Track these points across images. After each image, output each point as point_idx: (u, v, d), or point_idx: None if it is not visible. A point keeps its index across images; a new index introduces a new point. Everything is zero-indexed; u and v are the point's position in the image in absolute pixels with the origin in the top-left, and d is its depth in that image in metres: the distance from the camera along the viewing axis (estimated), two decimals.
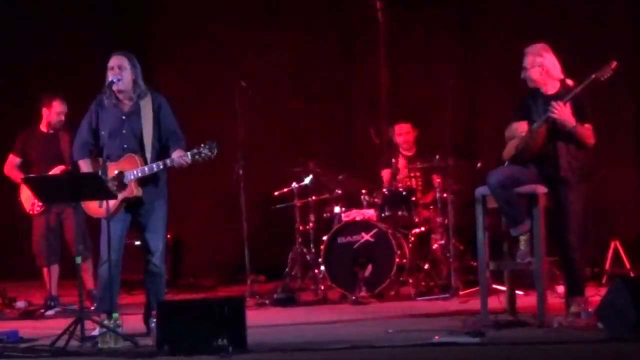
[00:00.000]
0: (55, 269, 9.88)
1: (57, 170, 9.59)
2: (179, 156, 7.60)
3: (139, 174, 7.67)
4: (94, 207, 7.76)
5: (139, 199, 7.75)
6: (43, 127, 9.90)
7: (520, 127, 7.81)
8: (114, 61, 7.79)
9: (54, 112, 9.81)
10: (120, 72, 7.76)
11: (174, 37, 12.77)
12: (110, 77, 7.74)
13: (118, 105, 7.83)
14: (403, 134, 10.81)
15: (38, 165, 9.71)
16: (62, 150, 9.70)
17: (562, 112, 7.58)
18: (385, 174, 10.78)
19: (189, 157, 7.57)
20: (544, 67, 7.77)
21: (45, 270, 9.86)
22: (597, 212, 9.76)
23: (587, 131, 7.69)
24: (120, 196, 7.66)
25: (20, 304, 10.05)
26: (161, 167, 7.65)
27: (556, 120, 7.60)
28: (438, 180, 10.29)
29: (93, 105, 7.88)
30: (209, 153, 7.55)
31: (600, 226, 10.12)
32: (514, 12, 11.47)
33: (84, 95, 8.26)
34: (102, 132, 7.76)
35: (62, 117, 9.84)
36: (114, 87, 7.74)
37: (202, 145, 7.58)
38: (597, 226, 9.78)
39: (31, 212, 9.78)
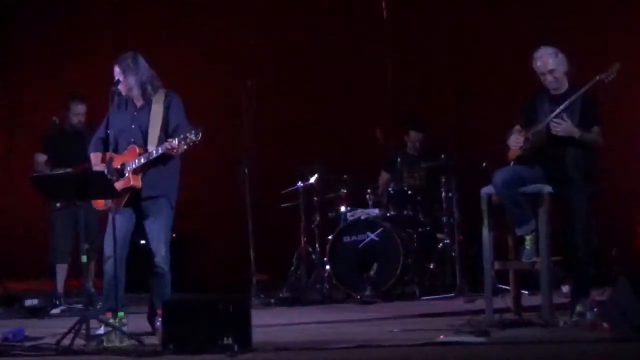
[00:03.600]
0: (64, 267, 9.93)
1: (80, 167, 9.66)
2: (167, 141, 7.61)
3: (136, 164, 7.71)
4: (99, 200, 7.84)
5: (141, 193, 7.76)
6: (67, 126, 10.03)
7: (517, 142, 7.83)
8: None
9: (71, 113, 9.97)
10: (117, 78, 7.89)
11: (179, 37, 12.78)
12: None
13: (130, 102, 7.95)
14: (416, 141, 10.84)
15: (63, 162, 9.79)
16: (86, 148, 9.79)
17: (565, 127, 7.60)
18: (382, 177, 10.81)
19: (176, 141, 7.57)
20: (565, 65, 7.78)
21: (57, 266, 9.93)
22: (603, 212, 9.76)
23: (594, 136, 7.69)
24: (119, 186, 7.69)
25: (30, 301, 10.09)
26: (154, 154, 7.66)
27: (563, 134, 7.61)
28: (443, 179, 10.31)
29: (113, 103, 7.94)
30: (194, 138, 7.55)
31: (606, 226, 10.11)
32: (519, 13, 11.46)
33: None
34: (114, 128, 7.82)
35: (80, 118, 9.99)
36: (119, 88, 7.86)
37: (188, 131, 7.59)
38: (602, 226, 9.78)
39: (53, 208, 9.86)
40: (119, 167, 7.75)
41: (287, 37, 12.44)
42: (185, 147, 7.55)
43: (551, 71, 7.78)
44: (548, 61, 7.78)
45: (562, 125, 7.60)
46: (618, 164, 10.45)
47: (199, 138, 7.52)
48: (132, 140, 7.83)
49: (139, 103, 7.93)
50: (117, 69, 7.90)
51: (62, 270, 9.94)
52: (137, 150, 7.76)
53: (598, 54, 9.93)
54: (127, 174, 7.72)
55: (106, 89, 7.84)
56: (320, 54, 12.35)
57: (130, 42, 9.98)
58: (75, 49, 12.93)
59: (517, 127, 7.96)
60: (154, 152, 7.66)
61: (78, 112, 10.02)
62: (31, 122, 12.05)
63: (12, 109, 13.09)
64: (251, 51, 12.38)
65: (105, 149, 7.94)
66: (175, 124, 7.81)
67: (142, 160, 7.70)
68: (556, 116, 7.69)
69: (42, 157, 10.05)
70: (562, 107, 7.64)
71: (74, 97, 10.12)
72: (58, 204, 9.73)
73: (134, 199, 7.80)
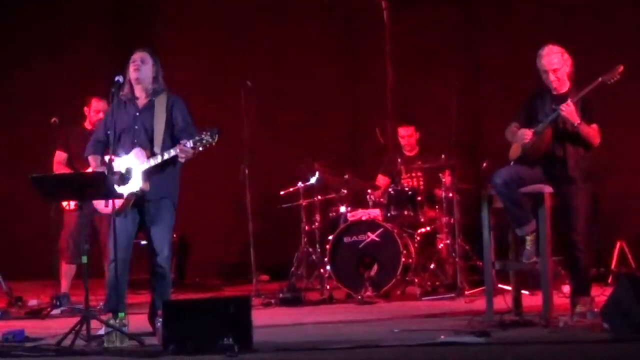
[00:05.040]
0: (72, 268, 9.92)
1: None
2: (182, 143, 7.57)
3: (145, 167, 7.68)
4: (101, 205, 7.81)
5: (146, 195, 7.74)
6: (86, 125, 10.03)
7: (526, 135, 7.81)
8: (137, 55, 7.89)
9: (93, 110, 9.99)
10: (142, 64, 7.83)
11: (179, 37, 12.78)
12: (130, 70, 7.80)
13: (133, 101, 7.88)
14: (406, 136, 10.84)
15: (78, 160, 9.78)
16: None
17: (571, 111, 7.60)
18: (381, 179, 10.82)
19: (191, 144, 7.52)
20: (569, 66, 7.78)
21: (64, 266, 9.92)
22: (603, 212, 9.76)
23: (592, 131, 7.70)
24: (127, 190, 7.67)
25: (32, 302, 10.08)
26: (165, 157, 7.62)
27: (564, 116, 7.62)
28: (443, 179, 10.31)
29: (112, 104, 7.90)
30: (210, 140, 7.50)
31: (606, 226, 10.11)
32: (518, 13, 11.47)
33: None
34: (115, 129, 7.78)
35: (101, 115, 9.97)
36: (130, 79, 7.80)
37: (204, 132, 7.54)
38: (603, 226, 9.78)
39: (67, 208, 9.84)
40: (123, 170, 7.72)
41: (288, 37, 12.44)
42: (200, 149, 7.52)
43: (555, 70, 7.77)
44: (553, 60, 7.78)
45: (570, 108, 7.60)
46: (618, 164, 10.46)
47: (216, 139, 7.48)
48: (136, 141, 7.79)
49: (142, 102, 7.88)
50: (144, 54, 7.83)
51: (70, 270, 9.94)
52: (144, 152, 7.72)
53: (599, 55, 9.93)
54: (136, 177, 7.69)
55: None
56: (321, 54, 12.35)
57: (131, 42, 9.96)
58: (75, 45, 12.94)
59: (515, 124, 7.97)
60: (166, 154, 7.62)
61: (100, 109, 9.99)
62: (32, 121, 12.05)
63: (13, 105, 13.08)
64: (251, 51, 12.38)
65: (104, 152, 7.91)
66: (182, 126, 7.78)
67: (152, 163, 7.65)
68: (557, 116, 7.70)
69: (62, 156, 10.03)
70: (573, 100, 7.63)
71: (96, 94, 10.11)
72: (71, 205, 9.72)
73: (139, 201, 7.79)
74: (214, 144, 7.49)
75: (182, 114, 7.85)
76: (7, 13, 12.95)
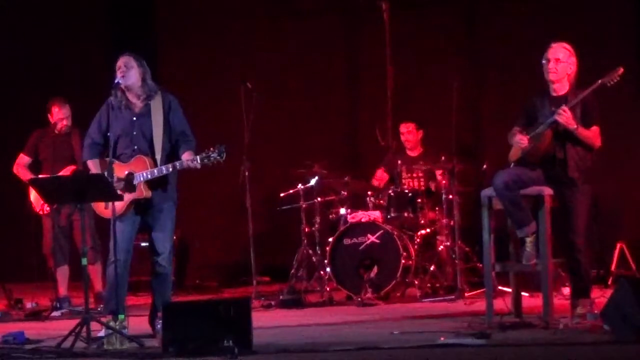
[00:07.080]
0: (64, 270, 9.93)
1: (67, 170, 9.65)
2: (188, 160, 7.61)
3: (148, 176, 7.67)
4: (102, 208, 7.80)
5: (148, 201, 7.75)
6: (53, 129, 9.97)
7: (521, 141, 7.81)
8: (121, 61, 7.82)
9: (55, 118, 9.93)
10: (127, 70, 7.77)
11: (179, 39, 12.78)
12: (117, 78, 7.77)
13: (128, 106, 7.84)
14: (406, 132, 10.82)
15: (49, 165, 9.77)
16: (73, 150, 9.78)
17: (567, 117, 7.59)
18: (380, 174, 10.81)
19: (198, 161, 7.57)
20: (573, 68, 7.77)
21: (57, 270, 9.90)
22: (603, 213, 9.76)
23: (591, 134, 7.70)
24: (129, 197, 7.67)
25: (28, 305, 10.08)
26: (170, 170, 7.65)
27: (561, 123, 7.62)
28: (443, 181, 10.30)
29: (103, 107, 7.88)
30: (218, 157, 7.54)
31: (606, 227, 10.11)
32: (519, 14, 11.46)
33: (94, 95, 8.32)
34: (112, 133, 7.76)
35: (65, 121, 9.93)
36: (122, 86, 7.75)
37: (212, 149, 7.57)
38: (603, 227, 9.78)
39: (41, 213, 9.84)
40: (124, 175, 7.70)
41: (288, 39, 12.44)
42: (208, 164, 7.56)
43: (557, 60, 7.75)
44: (559, 52, 7.76)
45: (566, 115, 7.59)
46: (618, 165, 10.46)
47: (224, 158, 7.53)
48: (136, 147, 7.77)
49: (137, 106, 7.84)
50: (127, 59, 7.78)
51: (62, 272, 9.93)
52: (147, 161, 7.69)
53: (599, 55, 9.93)
54: (137, 185, 7.68)
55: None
56: (321, 55, 12.35)
57: (130, 44, 9.96)
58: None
59: (517, 128, 7.97)
60: (171, 167, 7.63)
61: (61, 116, 9.93)
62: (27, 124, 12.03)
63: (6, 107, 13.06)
64: (251, 52, 12.38)
65: (101, 154, 7.90)
66: (180, 130, 7.79)
67: (156, 174, 7.65)
68: (554, 121, 7.69)
69: (25, 159, 10.00)
70: (571, 103, 7.63)
71: (56, 100, 10.04)
72: (45, 209, 9.71)
73: (142, 205, 7.78)
74: (222, 161, 7.53)
75: (179, 117, 7.85)
76: (7, 13, 12.93)
